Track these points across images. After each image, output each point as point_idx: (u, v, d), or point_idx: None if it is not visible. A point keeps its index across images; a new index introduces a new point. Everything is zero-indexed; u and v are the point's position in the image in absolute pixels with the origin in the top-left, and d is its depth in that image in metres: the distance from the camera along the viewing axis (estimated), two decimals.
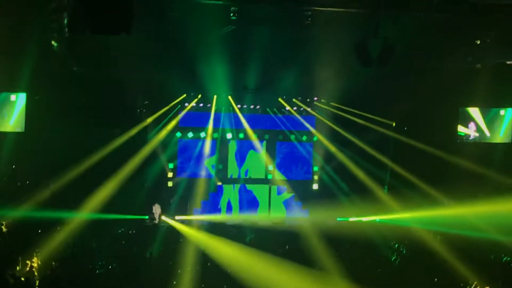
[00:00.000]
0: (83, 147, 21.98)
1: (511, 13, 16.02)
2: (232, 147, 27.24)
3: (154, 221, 24.35)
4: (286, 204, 27.36)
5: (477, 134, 25.43)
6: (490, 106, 25.50)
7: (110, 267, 17.97)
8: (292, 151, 27.78)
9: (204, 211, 26.31)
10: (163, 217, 24.61)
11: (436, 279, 17.21)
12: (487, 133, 25.37)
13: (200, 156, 26.84)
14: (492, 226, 20.02)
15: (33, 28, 16.57)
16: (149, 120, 24.94)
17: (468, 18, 17.11)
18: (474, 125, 25.34)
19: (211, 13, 16.24)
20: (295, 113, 26.94)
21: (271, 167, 27.45)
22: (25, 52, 18.28)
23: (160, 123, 25.45)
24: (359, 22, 16.50)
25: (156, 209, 24.64)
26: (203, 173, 26.79)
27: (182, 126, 26.41)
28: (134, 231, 22.52)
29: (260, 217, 26.46)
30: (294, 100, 26.66)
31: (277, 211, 27.28)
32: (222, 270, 17.36)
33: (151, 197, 25.00)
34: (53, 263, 16.74)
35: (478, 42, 18.53)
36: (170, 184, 26.30)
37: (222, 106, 26.49)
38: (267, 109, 26.86)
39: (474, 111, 25.32)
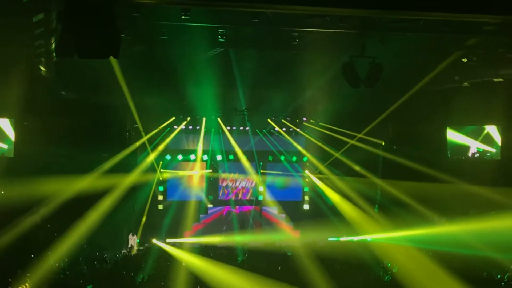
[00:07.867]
0: (73, 172, 21.85)
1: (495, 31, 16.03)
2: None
3: (130, 252, 23.81)
4: None
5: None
6: (478, 123, 25.67)
7: None
8: (282, 172, 27.82)
9: (195, 233, 26.19)
10: (154, 240, 24.50)
11: None
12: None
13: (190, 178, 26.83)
14: (484, 243, 20.02)
15: (21, 53, 16.48)
16: (138, 143, 24.87)
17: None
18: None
19: (199, 35, 16.24)
20: (284, 134, 26.96)
21: (261, 188, 27.45)
22: (12, 78, 18.18)
23: (149, 146, 25.38)
24: (347, 42, 16.56)
25: (133, 240, 24.33)
26: (193, 195, 26.73)
27: (172, 149, 26.37)
28: (124, 255, 22.49)
29: (251, 238, 26.35)
30: (283, 120, 26.70)
31: None
32: None
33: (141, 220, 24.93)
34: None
35: (465, 60, 18.61)
36: (160, 207, 26.23)
37: (212, 128, 26.50)
38: (257, 130, 26.88)
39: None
